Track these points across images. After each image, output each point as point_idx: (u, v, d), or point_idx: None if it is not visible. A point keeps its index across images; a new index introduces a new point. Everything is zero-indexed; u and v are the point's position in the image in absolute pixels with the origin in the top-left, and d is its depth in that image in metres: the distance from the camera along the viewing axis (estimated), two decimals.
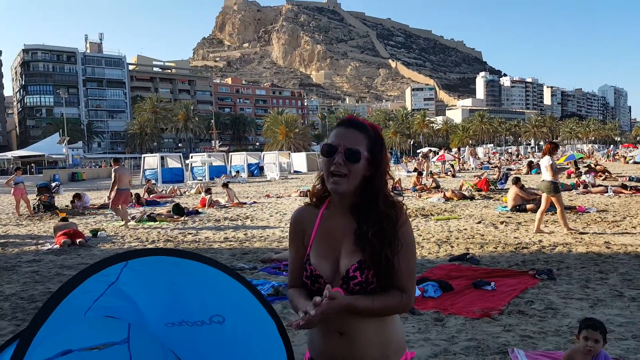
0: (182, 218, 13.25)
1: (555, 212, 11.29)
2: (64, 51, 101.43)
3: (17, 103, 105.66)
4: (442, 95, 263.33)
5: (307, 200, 1.79)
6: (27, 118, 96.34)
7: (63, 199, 19.55)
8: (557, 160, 37.48)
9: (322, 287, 1.54)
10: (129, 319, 2.24)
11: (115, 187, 11.94)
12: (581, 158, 35.40)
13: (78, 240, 9.57)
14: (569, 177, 22.40)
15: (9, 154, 57.36)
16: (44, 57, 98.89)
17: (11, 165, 38.82)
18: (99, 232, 11.00)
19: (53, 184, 20.82)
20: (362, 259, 1.58)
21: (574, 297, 5.12)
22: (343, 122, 1.65)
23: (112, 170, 12.38)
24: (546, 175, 8.86)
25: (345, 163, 1.57)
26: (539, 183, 9.50)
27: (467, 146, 72.23)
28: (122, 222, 12.17)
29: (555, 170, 8.80)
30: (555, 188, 8.75)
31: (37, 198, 16.58)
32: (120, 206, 12.08)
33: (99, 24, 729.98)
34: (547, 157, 8.92)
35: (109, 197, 13.35)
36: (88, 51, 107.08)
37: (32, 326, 1.56)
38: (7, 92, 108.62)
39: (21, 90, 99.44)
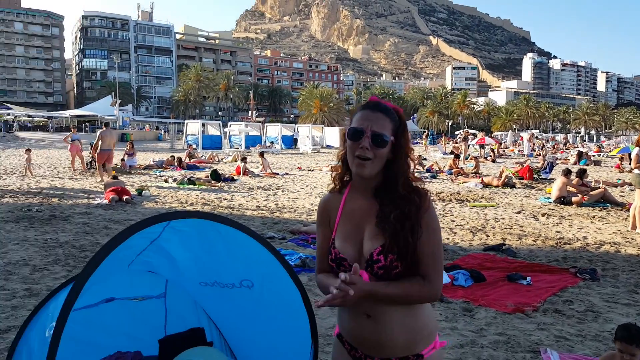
0: (219, 184, 13.81)
1: (606, 208, 10.72)
2: (118, 18, 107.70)
3: (75, 65, 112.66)
4: (485, 75, 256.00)
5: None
6: (84, 80, 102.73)
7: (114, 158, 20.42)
8: (611, 152, 34.90)
9: (347, 270, 1.55)
10: (167, 276, 2.48)
11: (98, 147, 13.56)
12: None
13: (125, 197, 10.22)
14: (621, 172, 20.92)
15: (67, 113, 61.52)
16: (100, 23, 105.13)
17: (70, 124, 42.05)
18: (143, 191, 11.65)
19: None
20: (384, 243, 1.58)
21: (619, 302, 4.76)
22: (369, 105, 1.65)
23: (98, 132, 13.84)
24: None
25: (371, 147, 1.58)
26: (631, 176, 8.68)
27: (510, 130, 69.80)
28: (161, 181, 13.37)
29: None
30: None
31: (91, 155, 17.16)
32: (103, 164, 13.78)
33: None
34: (637, 148, 8.25)
35: (91, 155, 15.68)
36: (140, 19, 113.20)
37: (83, 274, 1.70)
38: (68, 54, 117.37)
39: (80, 53, 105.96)
